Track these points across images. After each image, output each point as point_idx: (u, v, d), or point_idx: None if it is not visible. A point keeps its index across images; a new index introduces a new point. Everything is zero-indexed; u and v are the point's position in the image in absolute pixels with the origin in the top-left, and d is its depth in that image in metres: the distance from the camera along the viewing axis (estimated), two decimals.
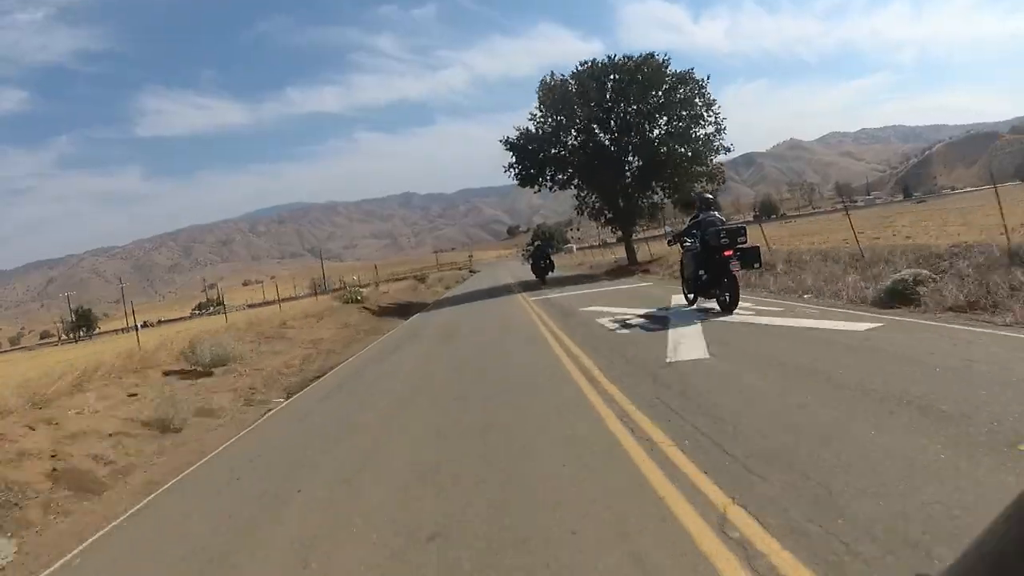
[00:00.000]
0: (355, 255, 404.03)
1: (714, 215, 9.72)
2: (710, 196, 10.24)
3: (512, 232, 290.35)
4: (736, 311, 8.78)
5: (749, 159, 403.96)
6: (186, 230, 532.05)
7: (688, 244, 10.07)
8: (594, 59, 26.64)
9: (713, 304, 9.42)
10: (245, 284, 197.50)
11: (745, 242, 9.08)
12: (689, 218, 10.48)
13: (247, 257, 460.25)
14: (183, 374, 10.77)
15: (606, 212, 27.87)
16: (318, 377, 10.10)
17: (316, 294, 48.40)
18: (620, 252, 31.83)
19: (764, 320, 8.12)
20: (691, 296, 10.14)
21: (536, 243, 26.53)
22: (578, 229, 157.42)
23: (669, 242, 11.72)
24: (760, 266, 9.56)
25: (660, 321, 9.27)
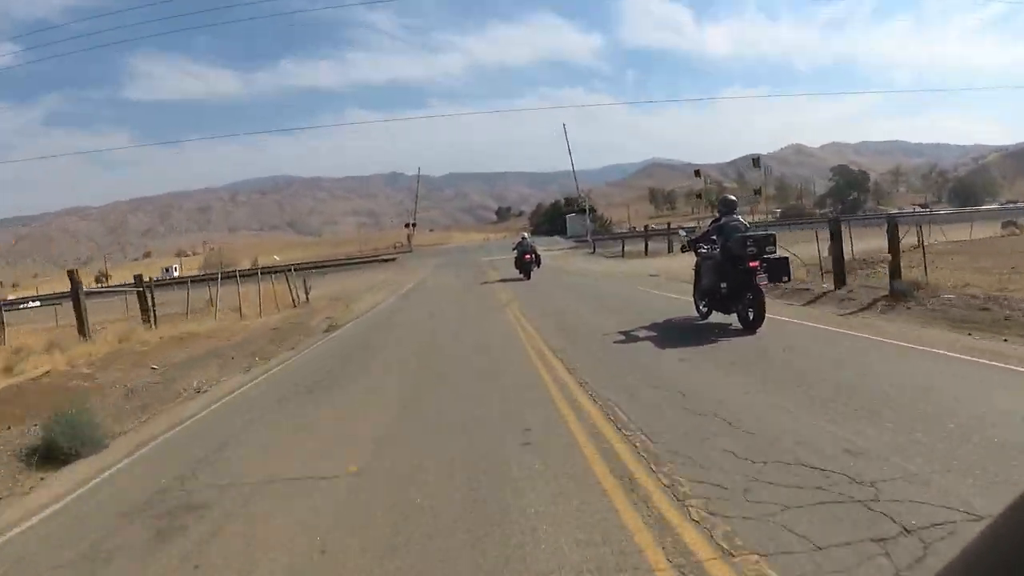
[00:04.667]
0: (333, 231, 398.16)
1: (737, 219, 8.71)
2: (733, 198, 9.17)
3: (502, 215, 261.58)
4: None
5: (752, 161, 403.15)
6: (165, 195, 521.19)
7: (705, 251, 8.98)
8: None
9: (730, 320, 8.45)
10: (179, 255, 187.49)
11: (774, 252, 8.14)
12: (710, 222, 9.50)
13: (224, 227, 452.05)
14: None
15: None
16: None
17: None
18: None
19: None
20: (704, 309, 9.02)
21: (522, 238, 25.42)
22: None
23: (683, 247, 10.85)
24: (789, 279, 8.53)
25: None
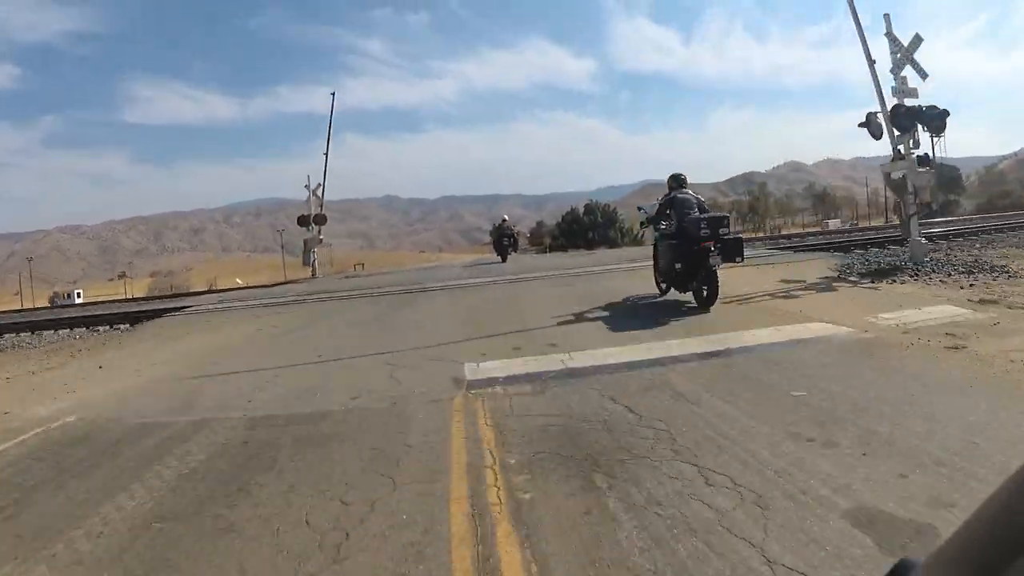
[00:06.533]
0: (328, 253, 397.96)
1: (688, 194, 9.03)
2: (684, 175, 9.48)
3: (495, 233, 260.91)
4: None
5: (748, 178, 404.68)
6: (159, 216, 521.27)
7: (664, 228, 9.22)
8: None
9: (687, 297, 8.80)
10: (152, 275, 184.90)
11: (728, 232, 8.45)
12: (662, 196, 9.59)
13: (218, 247, 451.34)
14: None
15: None
16: None
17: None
18: None
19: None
20: (664, 286, 9.44)
21: (502, 220, 26.53)
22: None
23: (642, 224, 10.85)
24: (743, 259, 8.75)
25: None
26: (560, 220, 75.98)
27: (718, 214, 8.94)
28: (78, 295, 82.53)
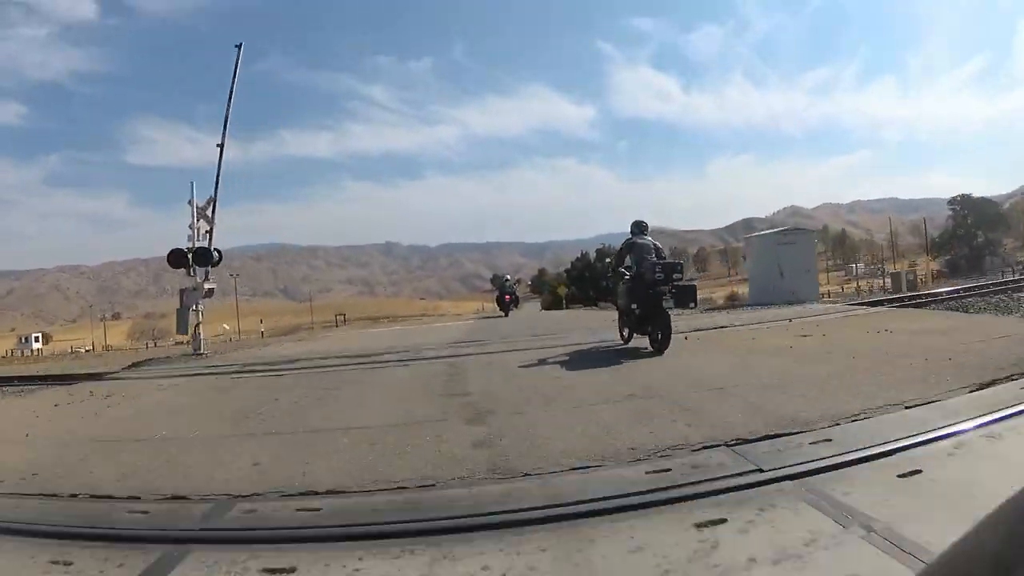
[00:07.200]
0: (327, 299, 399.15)
1: (647, 239, 9.39)
2: (644, 221, 9.86)
3: (496, 282, 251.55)
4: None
5: (748, 224, 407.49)
6: (159, 258, 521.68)
7: (625, 274, 9.44)
8: None
9: (644, 343, 8.76)
10: (146, 316, 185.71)
11: (681, 278, 8.84)
12: (623, 242, 9.85)
13: (218, 292, 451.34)
14: None
15: None
16: None
17: None
18: None
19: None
20: (626, 332, 9.53)
21: (505, 279, 27.79)
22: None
23: (609, 271, 11.01)
24: (695, 305, 9.28)
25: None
26: (569, 267, 68.34)
27: (672, 261, 9.31)
28: (37, 339, 75.54)
